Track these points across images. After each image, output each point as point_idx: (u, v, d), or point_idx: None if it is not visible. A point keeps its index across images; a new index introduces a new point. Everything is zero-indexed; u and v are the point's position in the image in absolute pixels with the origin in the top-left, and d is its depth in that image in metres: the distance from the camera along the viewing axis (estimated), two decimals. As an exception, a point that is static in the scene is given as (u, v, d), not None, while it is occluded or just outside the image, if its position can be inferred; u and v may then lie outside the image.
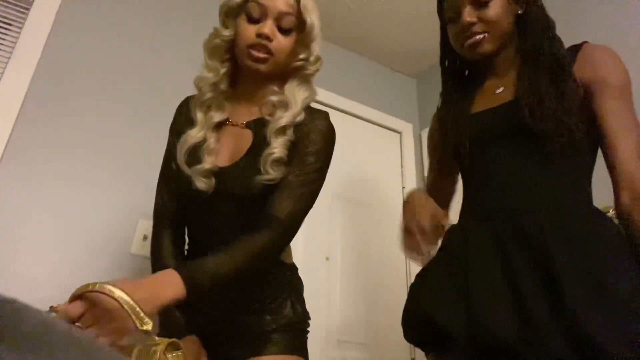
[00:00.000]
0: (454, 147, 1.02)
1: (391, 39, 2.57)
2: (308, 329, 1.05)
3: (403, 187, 2.48)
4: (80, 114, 1.74)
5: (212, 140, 0.99)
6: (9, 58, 1.67)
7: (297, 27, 0.99)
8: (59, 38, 1.78)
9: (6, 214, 1.50)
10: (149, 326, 0.64)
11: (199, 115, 1.01)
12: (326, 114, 1.04)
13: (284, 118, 0.96)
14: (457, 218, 1.04)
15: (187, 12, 2.17)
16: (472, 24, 0.96)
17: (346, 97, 2.49)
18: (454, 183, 1.20)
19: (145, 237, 1.66)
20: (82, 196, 1.64)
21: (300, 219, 0.95)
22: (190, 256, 1.06)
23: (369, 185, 2.40)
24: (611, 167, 0.87)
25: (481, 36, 0.97)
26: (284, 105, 0.98)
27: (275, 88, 1.01)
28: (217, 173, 0.96)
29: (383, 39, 2.58)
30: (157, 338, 0.67)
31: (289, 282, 1.06)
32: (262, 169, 0.92)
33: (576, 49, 0.95)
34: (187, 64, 2.05)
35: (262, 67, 0.97)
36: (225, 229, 0.96)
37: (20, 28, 1.73)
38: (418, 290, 0.97)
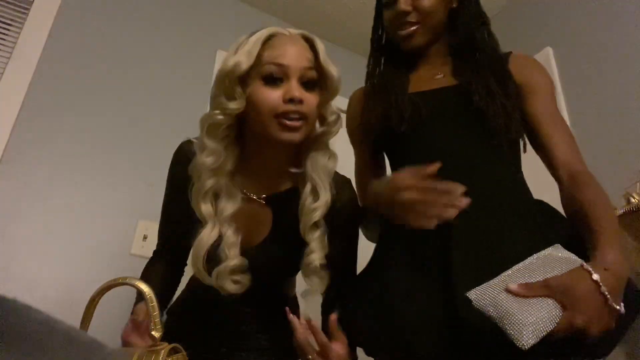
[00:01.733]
0: (389, 118, 0.95)
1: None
2: None
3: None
4: (80, 114, 1.74)
5: (230, 232, 0.85)
6: (9, 58, 1.67)
7: (319, 81, 0.86)
8: (59, 38, 1.78)
9: (6, 214, 1.50)
10: (159, 334, 0.64)
11: (205, 209, 0.85)
12: (349, 184, 0.98)
13: (317, 211, 0.85)
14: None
15: (187, 13, 2.17)
16: (407, 12, 0.97)
17: (346, 97, 2.48)
18: (383, 165, 1.14)
19: (145, 237, 1.66)
20: (82, 196, 1.64)
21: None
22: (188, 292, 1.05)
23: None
24: (550, 161, 0.91)
25: (414, 27, 0.98)
26: (310, 186, 0.88)
27: (292, 160, 0.90)
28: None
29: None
30: (159, 342, 0.67)
31: (292, 307, 1.02)
32: (304, 277, 0.89)
33: (506, 55, 1.00)
34: (187, 64, 2.06)
35: (297, 136, 0.82)
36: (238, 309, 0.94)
37: (20, 28, 1.73)
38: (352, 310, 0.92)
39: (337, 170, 0.95)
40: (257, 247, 0.90)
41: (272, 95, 0.80)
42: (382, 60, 1.09)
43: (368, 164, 1.11)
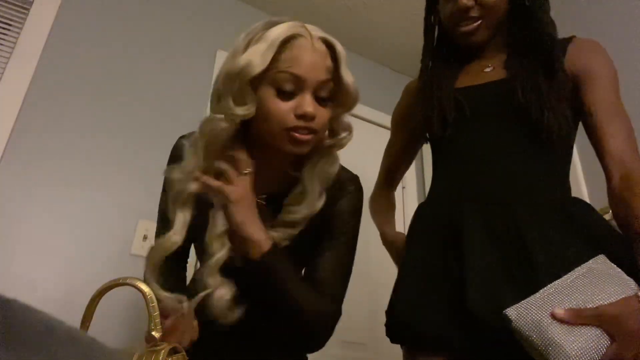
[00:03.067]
0: (431, 121, 0.96)
1: (391, 39, 2.57)
2: None
3: (403, 187, 2.47)
4: (80, 114, 1.74)
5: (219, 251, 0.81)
6: (9, 58, 1.67)
7: (334, 94, 0.81)
8: (59, 38, 1.78)
9: (6, 214, 1.50)
10: (158, 334, 0.64)
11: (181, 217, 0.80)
12: (356, 180, 0.93)
13: (295, 214, 0.83)
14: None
15: (187, 13, 2.17)
16: (469, 7, 0.94)
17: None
18: (412, 160, 1.22)
19: (145, 237, 1.66)
20: (82, 196, 1.64)
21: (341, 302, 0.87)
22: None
23: (369, 186, 2.39)
24: (602, 154, 0.86)
25: (477, 23, 0.95)
26: (300, 188, 0.85)
27: (295, 167, 0.87)
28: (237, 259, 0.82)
29: (383, 39, 2.58)
30: (159, 342, 0.67)
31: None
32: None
33: (566, 41, 0.96)
34: (187, 64, 2.06)
35: (306, 149, 0.80)
36: None
37: (20, 28, 1.73)
38: (401, 297, 0.93)
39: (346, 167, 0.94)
40: None
41: (284, 108, 0.75)
42: (434, 58, 1.05)
43: (399, 152, 1.20)
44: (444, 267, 0.86)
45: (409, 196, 2.48)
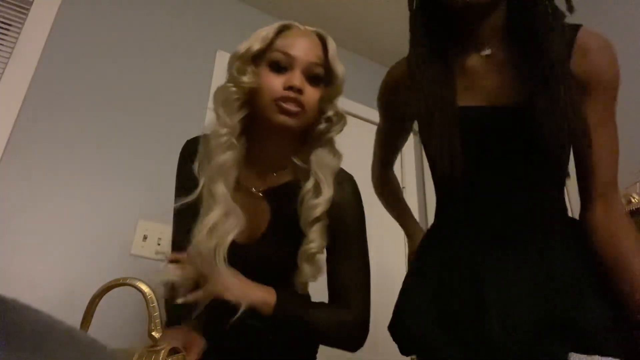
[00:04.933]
0: (438, 163, 0.83)
1: (391, 39, 2.57)
2: None
3: (403, 187, 2.47)
4: (80, 114, 1.74)
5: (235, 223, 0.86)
6: (9, 58, 1.66)
7: (324, 78, 0.90)
8: (59, 38, 1.78)
9: (6, 214, 1.50)
10: (158, 334, 0.64)
11: (221, 189, 0.83)
12: (351, 181, 0.97)
13: (319, 207, 0.87)
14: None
15: (187, 12, 2.17)
16: None
17: (345, 97, 2.48)
18: (407, 135, 1.17)
19: (145, 237, 1.66)
20: (82, 196, 1.63)
21: (369, 307, 0.94)
22: None
23: (369, 186, 2.40)
24: (584, 175, 0.82)
25: None
26: (313, 182, 0.89)
27: (296, 152, 0.92)
28: (237, 252, 0.85)
29: (383, 39, 2.58)
30: (159, 342, 0.67)
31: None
32: (299, 265, 0.88)
33: (571, 38, 0.81)
34: (187, 64, 2.06)
35: (293, 121, 0.86)
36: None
37: (20, 28, 1.73)
38: (404, 309, 0.92)
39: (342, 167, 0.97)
40: (256, 242, 0.91)
41: (275, 81, 0.85)
42: (423, 31, 0.88)
43: (389, 135, 1.16)
44: (460, 291, 0.83)
45: (408, 196, 2.48)
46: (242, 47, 0.88)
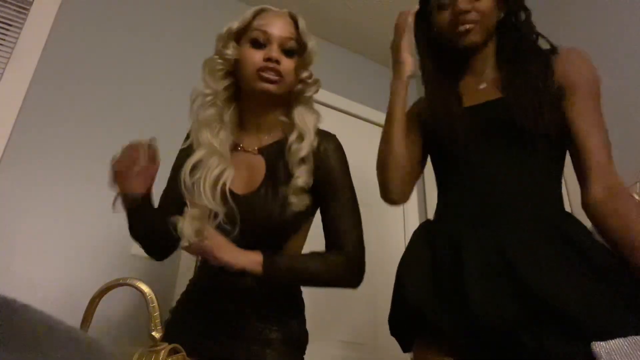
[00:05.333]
0: (437, 143, 1.04)
1: (390, 39, 2.57)
2: (305, 351, 1.04)
3: (403, 187, 2.47)
4: (80, 113, 1.74)
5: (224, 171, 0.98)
6: (9, 58, 1.67)
7: (298, 50, 1.04)
8: (59, 38, 1.78)
9: (6, 214, 1.50)
10: (158, 334, 0.64)
11: (205, 136, 0.99)
12: (334, 137, 1.07)
13: (302, 149, 0.99)
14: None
15: (187, 13, 2.17)
16: (467, 11, 1.00)
17: (345, 97, 2.48)
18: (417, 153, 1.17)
19: (145, 237, 1.66)
20: (82, 196, 1.63)
21: (363, 245, 1.03)
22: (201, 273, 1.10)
23: (369, 186, 2.39)
24: (581, 164, 0.90)
25: (473, 24, 1.00)
26: (297, 133, 1.01)
27: (282, 114, 1.06)
28: (235, 202, 0.95)
29: (382, 38, 2.57)
30: (159, 342, 0.66)
31: (299, 300, 1.07)
32: (288, 197, 0.97)
33: (551, 52, 1.00)
34: (187, 64, 2.06)
35: (274, 87, 0.99)
36: None
37: (20, 28, 1.73)
38: (404, 283, 0.97)
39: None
40: (254, 192, 1.00)
41: (256, 55, 0.99)
42: (432, 66, 1.10)
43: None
44: (448, 271, 0.88)
45: (409, 199, 2.47)
46: (224, 28, 1.05)
